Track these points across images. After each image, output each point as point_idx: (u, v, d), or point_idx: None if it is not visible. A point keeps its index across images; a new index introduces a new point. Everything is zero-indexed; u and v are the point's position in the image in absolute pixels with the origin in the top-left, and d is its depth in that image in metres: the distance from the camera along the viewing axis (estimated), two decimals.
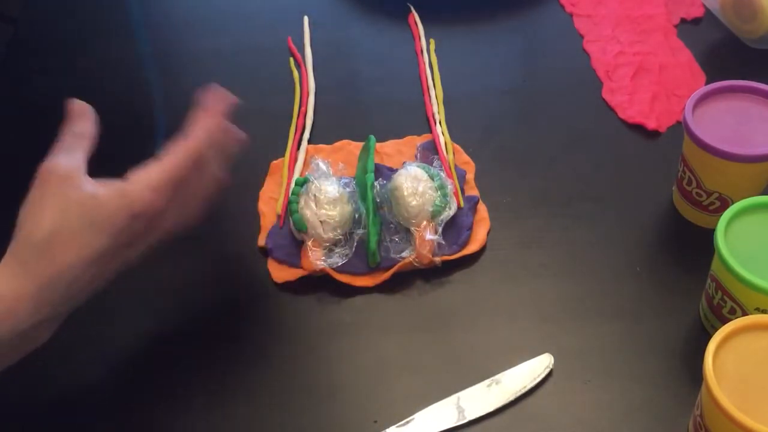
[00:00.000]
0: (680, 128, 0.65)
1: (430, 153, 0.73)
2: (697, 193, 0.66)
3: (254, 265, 0.67)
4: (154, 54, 0.74)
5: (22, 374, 0.53)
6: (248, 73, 0.86)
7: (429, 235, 0.65)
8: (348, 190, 0.67)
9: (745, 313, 0.55)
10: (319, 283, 0.65)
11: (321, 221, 0.65)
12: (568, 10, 0.90)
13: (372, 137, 0.72)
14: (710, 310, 0.59)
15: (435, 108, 0.79)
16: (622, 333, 0.61)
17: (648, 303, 0.63)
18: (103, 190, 0.54)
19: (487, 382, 0.59)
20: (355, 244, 0.66)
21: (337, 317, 0.64)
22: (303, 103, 0.80)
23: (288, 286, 0.65)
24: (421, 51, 0.86)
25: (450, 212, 0.67)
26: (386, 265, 0.65)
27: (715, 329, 0.50)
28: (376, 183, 0.68)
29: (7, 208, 0.75)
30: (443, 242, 0.66)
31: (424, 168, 0.68)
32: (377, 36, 0.90)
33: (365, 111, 0.81)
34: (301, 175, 0.72)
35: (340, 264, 0.65)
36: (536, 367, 0.59)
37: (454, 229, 0.67)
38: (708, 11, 0.87)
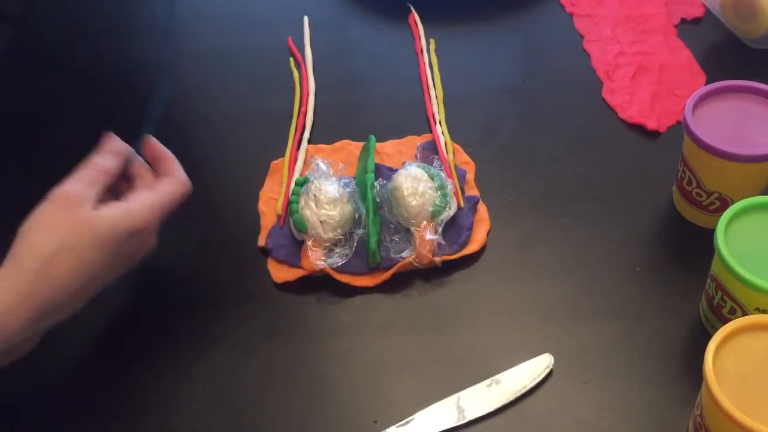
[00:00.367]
0: (680, 128, 0.65)
1: (430, 153, 0.73)
2: (697, 193, 0.66)
3: (254, 265, 0.67)
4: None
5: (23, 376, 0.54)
6: (248, 73, 0.86)
7: (429, 235, 0.65)
8: (348, 190, 0.67)
9: (745, 313, 0.55)
10: (319, 283, 0.65)
11: (321, 221, 0.65)
12: (568, 10, 0.90)
13: (372, 137, 0.72)
14: (710, 310, 0.59)
15: (435, 108, 0.79)
16: (622, 333, 0.61)
17: (648, 303, 0.63)
18: (109, 210, 0.56)
19: (487, 382, 0.59)
20: (355, 244, 0.66)
21: (337, 317, 0.64)
22: (303, 103, 0.80)
23: (288, 286, 0.65)
24: (421, 51, 0.86)
25: (450, 212, 0.67)
26: (386, 265, 0.65)
27: (715, 329, 0.50)
28: (376, 183, 0.68)
29: (6, 207, 0.75)
30: (443, 242, 0.66)
31: (424, 168, 0.68)
32: (377, 36, 0.90)
33: (365, 111, 0.81)
34: (301, 175, 0.72)
35: (340, 264, 0.65)
36: (536, 367, 0.59)
37: (454, 229, 0.67)
38: (708, 11, 0.87)
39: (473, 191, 0.71)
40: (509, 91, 0.82)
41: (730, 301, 0.56)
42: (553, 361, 0.59)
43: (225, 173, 0.76)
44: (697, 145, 0.62)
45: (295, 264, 0.66)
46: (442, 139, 0.75)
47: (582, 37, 0.87)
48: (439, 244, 0.65)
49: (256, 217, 0.70)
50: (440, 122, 0.77)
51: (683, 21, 0.88)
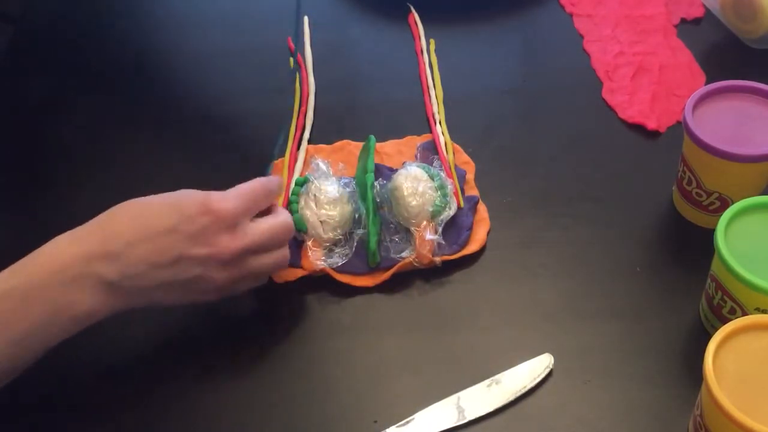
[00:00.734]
0: (680, 128, 0.65)
1: (430, 153, 0.73)
2: (697, 193, 0.66)
3: None
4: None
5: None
6: (248, 73, 0.86)
7: (429, 235, 0.65)
8: (348, 190, 0.67)
9: (745, 313, 0.55)
10: (319, 283, 0.65)
11: (321, 221, 0.65)
12: (568, 10, 0.90)
13: (372, 137, 0.72)
14: (710, 310, 0.59)
15: (435, 108, 0.79)
16: (622, 333, 0.61)
17: (648, 303, 0.63)
18: (190, 194, 0.57)
19: (487, 382, 0.59)
20: (355, 244, 0.66)
21: (337, 317, 0.64)
22: (303, 103, 0.80)
23: (288, 286, 0.65)
24: (421, 51, 0.85)
25: (450, 212, 0.67)
26: (386, 265, 0.65)
27: (715, 329, 0.50)
28: (376, 183, 0.68)
29: (8, 207, 0.75)
30: (443, 242, 0.66)
31: (424, 168, 0.68)
32: (377, 36, 0.90)
33: (365, 111, 0.81)
34: (301, 175, 0.72)
35: (340, 264, 0.65)
36: (536, 367, 0.59)
37: (454, 229, 0.67)
38: (708, 11, 0.87)
39: (473, 191, 0.71)
40: (509, 91, 0.82)
41: (730, 301, 0.56)
42: (553, 361, 0.59)
43: (225, 173, 0.75)
44: (697, 145, 0.62)
45: (295, 264, 0.66)
46: (442, 139, 0.75)
47: (582, 37, 0.87)
48: (439, 244, 0.65)
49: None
50: (440, 122, 0.77)
51: (683, 21, 0.88)
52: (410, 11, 0.90)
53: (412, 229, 0.66)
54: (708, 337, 0.49)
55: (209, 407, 0.59)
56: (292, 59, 0.85)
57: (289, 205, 0.67)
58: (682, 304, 0.63)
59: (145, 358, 0.62)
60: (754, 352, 0.49)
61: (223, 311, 0.65)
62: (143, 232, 0.55)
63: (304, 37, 0.88)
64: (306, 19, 0.90)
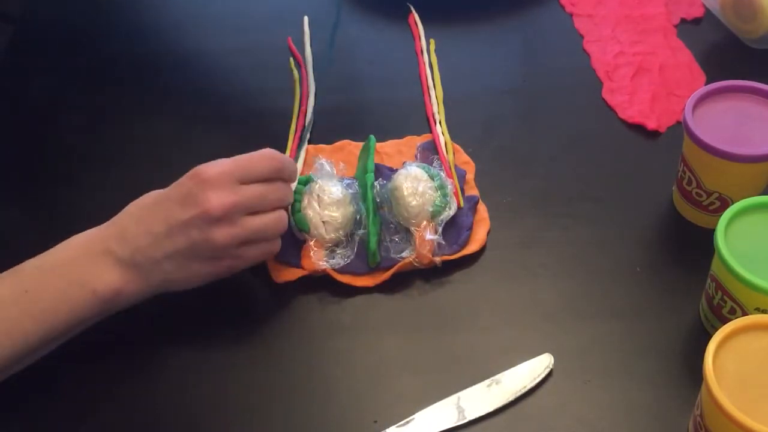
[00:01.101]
0: (680, 128, 0.65)
1: (430, 153, 0.73)
2: (697, 193, 0.66)
3: (254, 265, 0.67)
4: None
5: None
6: (248, 73, 0.86)
7: (429, 235, 0.65)
8: (351, 191, 0.67)
9: (745, 313, 0.55)
10: (319, 283, 0.65)
11: (323, 222, 0.65)
12: (568, 10, 0.90)
13: (372, 137, 0.72)
14: (710, 310, 0.59)
15: (435, 108, 0.79)
16: (622, 333, 0.61)
17: (648, 303, 0.63)
18: None
19: (487, 382, 0.59)
20: (356, 244, 0.66)
21: (337, 317, 0.64)
22: (303, 103, 0.80)
23: (288, 286, 0.65)
24: (421, 51, 0.86)
25: (450, 212, 0.67)
26: (386, 265, 0.65)
27: (715, 329, 0.50)
28: (376, 183, 0.68)
29: (8, 207, 0.75)
30: (443, 242, 0.66)
31: (424, 168, 0.68)
32: (377, 36, 0.90)
33: (365, 111, 0.81)
34: (301, 175, 0.72)
35: (341, 265, 0.65)
36: (536, 367, 0.59)
37: (454, 229, 0.67)
38: (708, 11, 0.87)
39: (473, 191, 0.71)
40: (509, 91, 0.82)
41: (730, 301, 0.56)
42: (553, 361, 0.59)
43: None
44: (697, 145, 0.62)
45: (296, 264, 0.66)
46: (442, 139, 0.75)
47: (582, 37, 0.87)
48: (439, 244, 0.65)
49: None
50: (440, 122, 0.77)
51: (683, 21, 0.88)
52: (410, 11, 0.90)
53: (412, 229, 0.66)
54: (708, 337, 0.49)
55: (209, 407, 0.59)
56: (292, 59, 0.85)
57: (292, 205, 0.67)
58: (682, 304, 0.63)
59: (144, 358, 0.62)
60: (754, 352, 0.49)
61: (222, 311, 0.65)
62: (146, 209, 0.59)
63: (304, 37, 0.88)
64: (306, 19, 0.90)
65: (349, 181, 0.69)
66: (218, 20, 0.93)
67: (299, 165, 0.74)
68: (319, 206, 0.65)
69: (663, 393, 0.58)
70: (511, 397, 0.58)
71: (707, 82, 0.79)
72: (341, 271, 0.65)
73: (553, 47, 0.87)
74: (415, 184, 0.66)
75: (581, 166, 0.74)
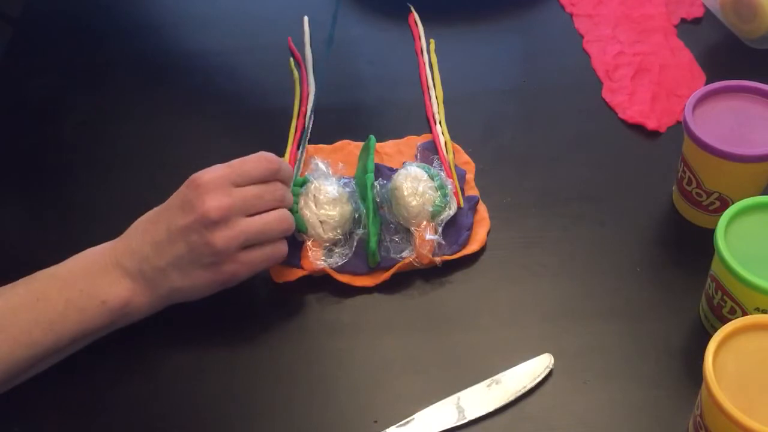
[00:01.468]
0: (680, 128, 0.65)
1: (430, 153, 0.73)
2: (697, 193, 0.66)
3: (261, 271, 0.67)
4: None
5: None
6: (248, 73, 0.86)
7: (429, 235, 0.65)
8: (348, 190, 0.67)
9: (745, 313, 0.55)
10: (319, 283, 0.65)
11: (321, 221, 0.65)
12: (568, 10, 0.90)
13: (372, 137, 0.72)
14: (710, 310, 0.59)
15: (435, 108, 0.79)
16: (622, 333, 0.61)
17: (648, 303, 0.63)
18: None
19: (487, 382, 0.59)
20: (355, 244, 0.66)
21: (337, 317, 0.64)
22: (303, 103, 0.80)
23: (288, 286, 0.65)
24: (421, 51, 0.86)
25: (450, 212, 0.67)
26: (386, 265, 0.65)
27: (715, 329, 0.50)
28: (376, 183, 0.68)
29: (8, 207, 0.75)
30: (443, 242, 0.66)
31: (424, 168, 0.68)
32: (377, 36, 0.90)
33: (365, 111, 0.81)
34: (300, 175, 0.72)
35: (340, 264, 0.65)
36: (536, 367, 0.59)
37: (454, 229, 0.67)
38: (708, 11, 0.87)
39: (473, 191, 0.71)
40: (509, 91, 0.82)
41: (730, 301, 0.56)
42: (553, 361, 0.59)
43: None
44: (697, 145, 0.62)
45: (295, 264, 0.66)
46: (442, 139, 0.75)
47: (582, 37, 0.87)
48: (439, 244, 0.65)
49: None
50: (440, 122, 0.77)
51: (683, 21, 0.88)
52: (410, 11, 0.90)
53: (412, 229, 0.66)
54: (708, 337, 0.49)
55: (208, 407, 0.59)
56: (292, 59, 0.85)
57: None
58: (682, 304, 0.63)
59: (144, 358, 0.62)
60: (754, 352, 0.49)
61: (223, 311, 0.65)
62: (148, 221, 0.61)
63: (305, 37, 0.88)
64: (306, 19, 0.90)
65: (345, 180, 0.69)
66: (218, 20, 0.93)
67: (299, 165, 0.74)
68: (316, 206, 0.65)
69: (663, 393, 0.58)
70: (511, 397, 0.58)
71: (707, 82, 0.79)
72: (341, 271, 0.65)
73: (553, 47, 0.87)
74: (415, 184, 0.66)
75: (581, 166, 0.74)
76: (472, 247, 0.67)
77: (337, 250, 0.66)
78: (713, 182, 0.64)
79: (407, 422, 0.57)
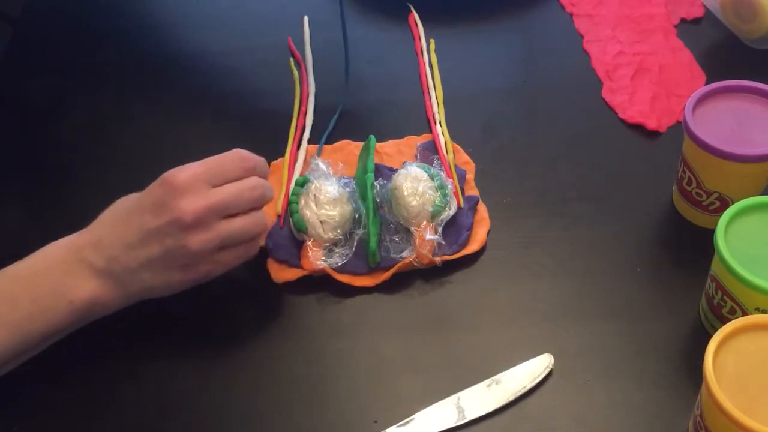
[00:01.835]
0: (680, 128, 0.65)
1: (430, 153, 0.73)
2: (697, 193, 0.66)
3: (254, 265, 0.67)
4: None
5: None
6: (248, 73, 0.86)
7: (429, 235, 0.65)
8: (348, 190, 0.67)
9: (745, 313, 0.55)
10: (319, 283, 0.65)
11: (321, 221, 0.65)
12: (568, 10, 0.90)
13: (372, 137, 0.72)
14: (710, 310, 0.59)
15: (435, 108, 0.79)
16: (622, 333, 0.61)
17: (648, 303, 0.63)
18: None
19: (487, 382, 0.59)
20: (355, 244, 0.66)
21: (337, 317, 0.64)
22: (303, 103, 0.80)
23: (288, 286, 0.65)
24: (421, 51, 0.86)
25: (450, 212, 0.67)
26: (386, 265, 0.65)
27: (715, 329, 0.50)
28: (376, 183, 0.68)
29: (8, 207, 0.75)
30: (443, 242, 0.66)
31: (424, 168, 0.68)
32: (377, 36, 0.90)
33: (365, 111, 0.81)
34: (300, 175, 0.72)
35: (340, 264, 0.65)
36: (536, 367, 0.59)
37: (454, 229, 0.67)
38: (708, 11, 0.87)
39: (473, 191, 0.71)
40: (509, 91, 0.82)
41: (730, 301, 0.56)
42: (553, 361, 0.59)
43: None
44: (697, 145, 0.62)
45: (295, 264, 0.66)
46: (442, 139, 0.75)
47: (582, 37, 0.87)
48: (439, 244, 0.65)
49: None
50: (440, 122, 0.77)
51: (683, 21, 0.88)
52: (410, 11, 0.90)
53: (412, 229, 0.66)
54: (708, 337, 0.49)
55: (208, 407, 0.59)
56: (292, 59, 0.85)
57: (289, 205, 0.67)
58: (682, 304, 0.63)
59: (143, 358, 0.62)
60: (754, 352, 0.49)
61: (223, 311, 0.65)
62: (116, 216, 0.59)
63: (305, 37, 0.88)
64: (306, 19, 0.90)
65: (345, 180, 0.69)
66: (218, 20, 0.93)
67: (299, 165, 0.74)
68: (316, 206, 0.65)
69: (663, 393, 0.58)
70: (511, 397, 0.58)
71: (707, 82, 0.79)
72: (341, 270, 0.65)
73: (553, 47, 0.87)
74: (415, 184, 0.66)
75: (581, 166, 0.74)
76: (472, 247, 0.67)
77: (337, 250, 0.66)
78: (713, 182, 0.64)
79: (407, 422, 0.57)
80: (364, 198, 0.67)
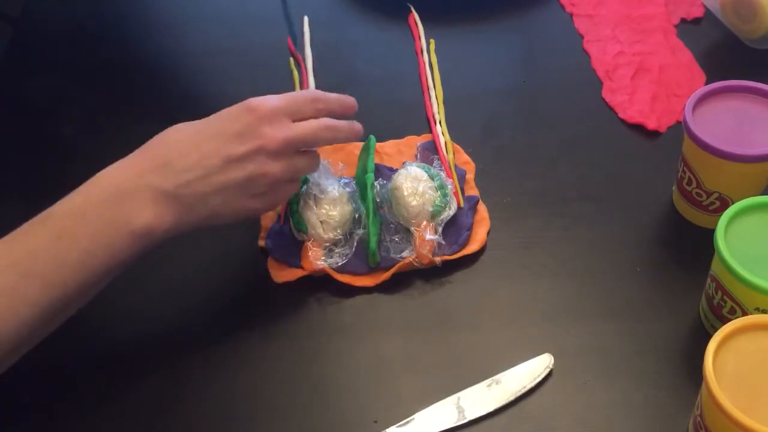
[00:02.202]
0: (680, 128, 0.65)
1: (430, 153, 0.73)
2: (697, 193, 0.66)
3: (254, 265, 0.67)
4: None
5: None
6: (248, 73, 0.86)
7: (429, 235, 0.65)
8: (348, 190, 0.68)
9: (745, 313, 0.55)
10: (319, 283, 0.65)
11: (321, 221, 0.65)
12: (568, 10, 0.90)
13: (372, 137, 0.72)
14: (710, 310, 0.59)
15: (435, 108, 0.79)
16: (622, 333, 0.61)
17: (648, 303, 0.63)
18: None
19: (487, 382, 0.59)
20: (355, 244, 0.66)
21: (337, 317, 0.64)
22: None
23: (288, 286, 0.65)
24: (421, 51, 0.86)
25: (450, 212, 0.67)
26: (386, 265, 0.65)
27: (715, 329, 0.50)
28: (376, 183, 0.68)
29: (8, 207, 0.75)
30: (443, 242, 0.66)
31: (424, 168, 0.68)
32: (377, 36, 0.90)
33: (365, 111, 0.81)
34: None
35: (340, 264, 0.65)
36: (536, 367, 0.59)
37: (454, 229, 0.67)
38: (708, 11, 0.87)
39: (473, 191, 0.71)
40: (509, 91, 0.82)
41: (730, 301, 0.56)
42: (553, 361, 0.59)
43: None
44: (697, 145, 0.62)
45: (295, 264, 0.66)
46: (442, 139, 0.75)
47: (582, 37, 0.87)
48: (439, 244, 0.65)
49: (256, 217, 0.70)
50: (440, 122, 0.77)
51: (683, 21, 0.88)
52: (410, 11, 0.90)
53: (412, 229, 0.66)
54: (708, 337, 0.49)
55: (208, 407, 0.59)
56: (292, 59, 0.85)
57: (289, 205, 0.67)
58: (682, 304, 0.63)
59: (142, 358, 0.62)
60: (754, 352, 0.49)
61: (222, 311, 0.65)
62: (192, 140, 0.57)
63: (304, 37, 0.88)
64: (306, 19, 0.90)
65: (346, 180, 0.69)
66: (218, 20, 0.93)
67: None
68: (316, 206, 0.65)
69: (663, 393, 0.58)
70: (511, 397, 0.58)
71: (707, 82, 0.79)
72: (341, 270, 0.65)
73: (553, 47, 0.87)
74: (415, 184, 0.66)
75: (581, 166, 0.74)
76: (472, 247, 0.67)
77: (337, 250, 0.66)
78: (713, 182, 0.64)
79: (407, 422, 0.57)
80: (364, 198, 0.67)
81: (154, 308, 0.65)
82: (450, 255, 0.66)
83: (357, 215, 0.67)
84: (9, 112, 0.83)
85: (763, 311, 0.54)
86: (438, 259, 0.65)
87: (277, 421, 0.58)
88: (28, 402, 0.60)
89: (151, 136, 0.81)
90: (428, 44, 0.86)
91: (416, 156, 0.74)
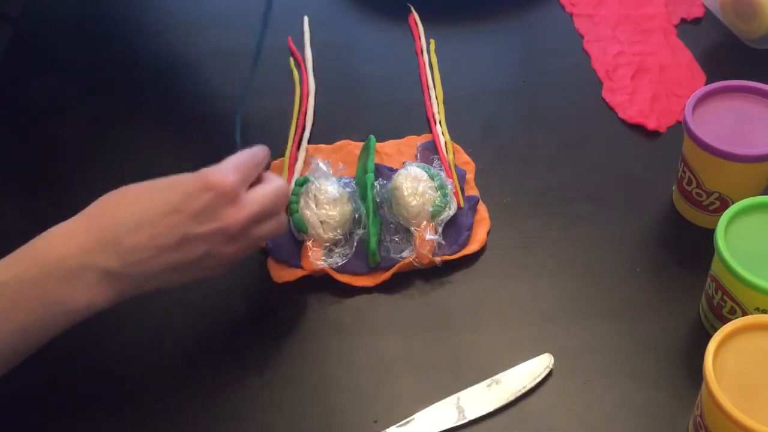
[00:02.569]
0: (680, 128, 0.65)
1: (430, 153, 0.73)
2: (697, 193, 0.66)
3: (254, 265, 0.67)
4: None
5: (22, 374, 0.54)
6: (248, 73, 0.86)
7: (429, 235, 0.65)
8: (348, 190, 0.68)
9: (745, 313, 0.55)
10: (319, 283, 0.65)
11: (321, 221, 0.65)
12: (568, 10, 0.90)
13: (372, 137, 0.72)
14: (710, 310, 0.59)
15: (435, 108, 0.79)
16: (622, 333, 0.61)
17: (648, 303, 0.63)
18: (184, 175, 0.56)
19: (487, 382, 0.59)
20: (355, 244, 0.66)
21: (337, 317, 0.64)
22: (303, 103, 0.80)
23: (288, 286, 0.65)
24: (421, 51, 0.86)
25: (450, 212, 0.67)
26: (386, 265, 0.65)
27: (715, 329, 0.50)
28: (376, 183, 0.68)
29: (8, 207, 0.75)
30: (443, 242, 0.66)
31: (424, 168, 0.68)
32: (377, 36, 0.90)
33: (365, 111, 0.81)
34: (301, 175, 0.72)
35: (340, 264, 0.65)
36: (536, 367, 0.59)
37: (454, 229, 0.67)
38: (708, 11, 0.87)
39: (473, 191, 0.71)
40: (509, 91, 0.82)
41: (730, 301, 0.56)
42: (553, 361, 0.59)
43: None
44: (697, 145, 0.62)
45: (295, 264, 0.66)
46: (442, 139, 0.75)
47: (582, 37, 0.87)
48: (439, 244, 0.65)
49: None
50: (440, 122, 0.77)
51: (683, 21, 0.88)
52: (410, 11, 0.90)
53: (412, 229, 0.66)
54: (708, 337, 0.49)
55: (208, 407, 0.59)
56: (292, 59, 0.85)
57: (289, 206, 0.67)
58: (682, 304, 0.63)
59: (142, 359, 0.62)
60: (754, 352, 0.49)
61: (222, 311, 0.65)
62: (144, 216, 0.53)
63: (304, 37, 0.88)
64: (306, 19, 0.90)
65: (346, 180, 0.69)
66: (218, 20, 0.93)
67: (299, 165, 0.74)
68: (316, 206, 0.65)
69: (663, 393, 0.58)
70: (511, 397, 0.58)
71: (707, 82, 0.79)
72: (341, 270, 0.65)
73: (553, 47, 0.87)
74: (415, 184, 0.66)
75: (581, 166, 0.74)
76: (472, 247, 0.67)
77: (337, 250, 0.66)
78: (713, 182, 0.64)
79: (407, 422, 0.57)
80: (364, 198, 0.67)
81: (154, 308, 0.65)
82: (450, 255, 0.66)
83: (357, 215, 0.67)
84: (9, 112, 0.83)
85: (763, 311, 0.54)
86: (438, 259, 0.65)
87: (276, 421, 0.58)
88: (19, 400, 0.60)
89: (151, 136, 0.82)
90: (428, 44, 0.86)
91: (416, 156, 0.74)
